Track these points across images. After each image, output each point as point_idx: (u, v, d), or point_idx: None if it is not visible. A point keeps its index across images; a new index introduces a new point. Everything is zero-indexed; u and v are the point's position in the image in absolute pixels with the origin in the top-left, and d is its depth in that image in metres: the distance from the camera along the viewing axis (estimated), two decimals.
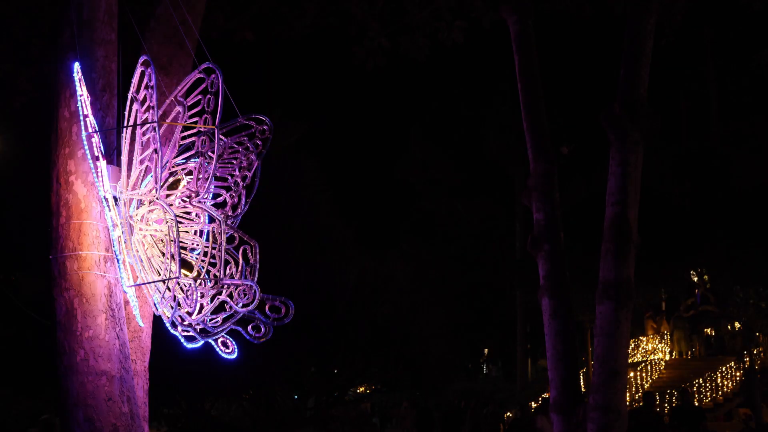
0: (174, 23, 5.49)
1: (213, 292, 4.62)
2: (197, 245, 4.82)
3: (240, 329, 4.68)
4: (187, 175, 4.71)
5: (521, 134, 6.47)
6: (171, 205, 4.60)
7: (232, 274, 4.78)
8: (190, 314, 4.56)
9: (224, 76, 4.44)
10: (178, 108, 4.64)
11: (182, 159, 4.81)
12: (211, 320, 4.64)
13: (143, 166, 4.62)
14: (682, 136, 26.90)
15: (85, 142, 4.64)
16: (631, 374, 23.23)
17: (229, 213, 5.04)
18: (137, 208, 4.73)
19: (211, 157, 4.47)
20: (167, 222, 4.45)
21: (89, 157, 4.65)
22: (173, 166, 4.75)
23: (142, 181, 4.68)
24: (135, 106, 4.61)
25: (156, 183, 4.42)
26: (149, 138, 4.45)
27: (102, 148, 4.64)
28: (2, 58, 7.78)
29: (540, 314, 5.95)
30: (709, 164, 23.27)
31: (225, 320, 4.63)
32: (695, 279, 26.58)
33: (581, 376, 13.70)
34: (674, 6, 7.79)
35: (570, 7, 8.15)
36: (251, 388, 17.95)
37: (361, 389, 25.11)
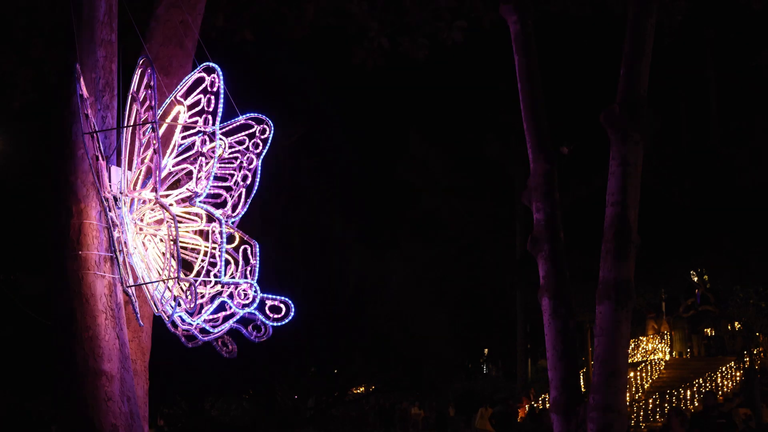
0: (174, 23, 5.49)
1: (213, 292, 4.62)
2: (197, 245, 4.82)
3: (240, 328, 4.69)
4: (186, 175, 4.71)
5: (521, 134, 6.48)
6: (171, 205, 4.60)
7: (232, 274, 4.78)
8: (190, 314, 4.56)
9: (224, 75, 4.44)
10: (178, 108, 4.64)
11: (182, 159, 4.81)
12: (211, 320, 4.65)
13: (143, 166, 4.62)
14: (682, 136, 26.88)
15: (85, 142, 4.64)
16: (631, 374, 23.24)
17: (229, 213, 5.04)
18: (137, 208, 4.74)
19: (211, 157, 4.47)
20: (167, 222, 4.44)
21: (89, 157, 4.65)
22: (173, 166, 4.75)
23: (142, 181, 4.68)
24: (135, 106, 4.60)
25: (156, 183, 4.42)
26: (149, 138, 4.45)
27: (102, 148, 4.64)
28: (2, 58, 7.78)
29: (540, 314, 5.96)
30: (709, 164, 23.25)
31: (225, 320, 4.63)
32: (695, 279, 26.57)
33: (581, 376, 13.67)
34: (674, 6, 7.80)
35: (570, 7, 8.16)
36: (251, 388, 17.96)
37: (361, 389, 25.12)
